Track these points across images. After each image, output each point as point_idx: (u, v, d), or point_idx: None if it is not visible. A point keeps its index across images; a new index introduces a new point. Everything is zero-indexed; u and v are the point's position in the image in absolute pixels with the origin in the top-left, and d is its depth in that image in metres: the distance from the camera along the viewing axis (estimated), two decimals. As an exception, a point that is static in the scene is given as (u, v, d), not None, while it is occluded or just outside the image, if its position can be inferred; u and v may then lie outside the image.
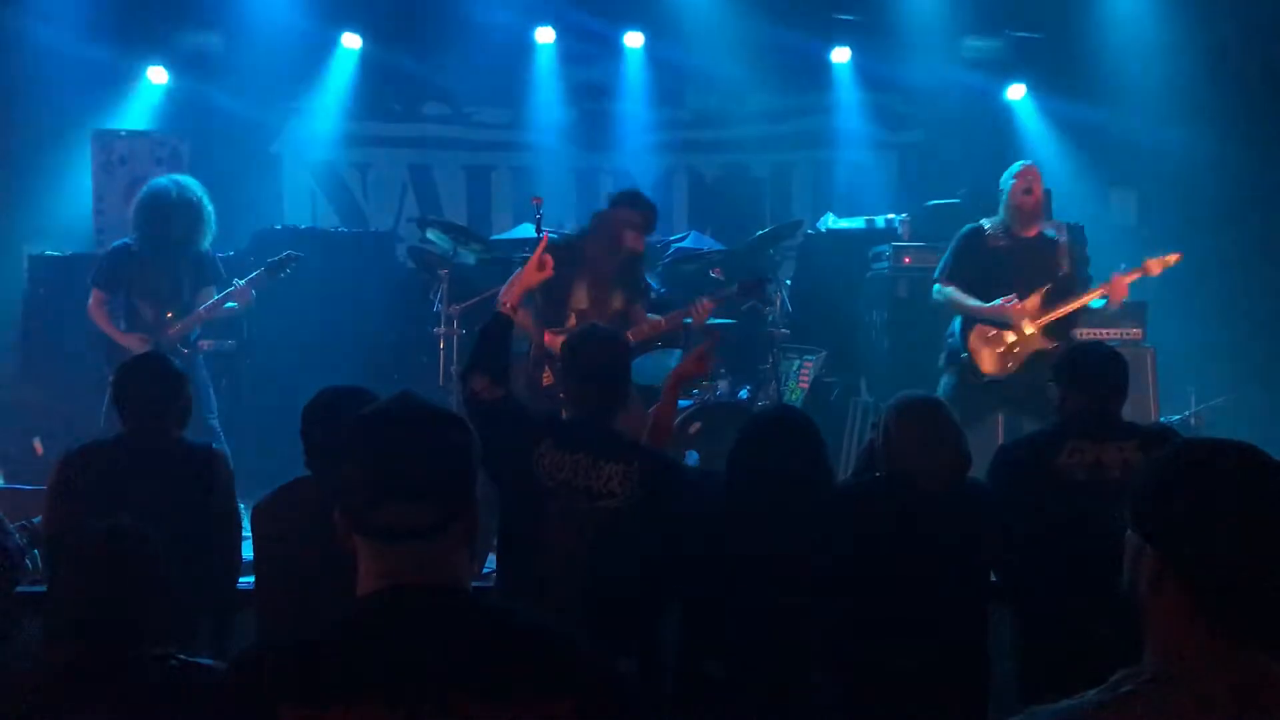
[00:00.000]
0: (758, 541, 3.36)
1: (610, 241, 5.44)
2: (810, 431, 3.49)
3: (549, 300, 5.35)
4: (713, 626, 3.45)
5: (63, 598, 2.57)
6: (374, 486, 1.68)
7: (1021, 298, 5.64)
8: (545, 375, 5.30)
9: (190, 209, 5.87)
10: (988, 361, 5.69)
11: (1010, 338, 5.68)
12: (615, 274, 5.47)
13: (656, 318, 5.55)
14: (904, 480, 3.53)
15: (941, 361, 5.94)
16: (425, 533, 1.67)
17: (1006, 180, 5.86)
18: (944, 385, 5.78)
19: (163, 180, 6.00)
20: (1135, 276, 5.66)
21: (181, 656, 2.50)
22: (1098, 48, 8.49)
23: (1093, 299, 5.67)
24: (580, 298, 5.45)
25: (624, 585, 3.42)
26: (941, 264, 5.94)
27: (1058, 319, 5.65)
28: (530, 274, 4.49)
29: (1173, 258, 5.69)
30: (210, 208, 5.94)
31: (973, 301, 5.72)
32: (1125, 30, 8.40)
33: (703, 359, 4.21)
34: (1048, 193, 6.05)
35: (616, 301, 5.50)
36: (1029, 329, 5.64)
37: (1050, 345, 5.58)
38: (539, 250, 4.55)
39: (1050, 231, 5.87)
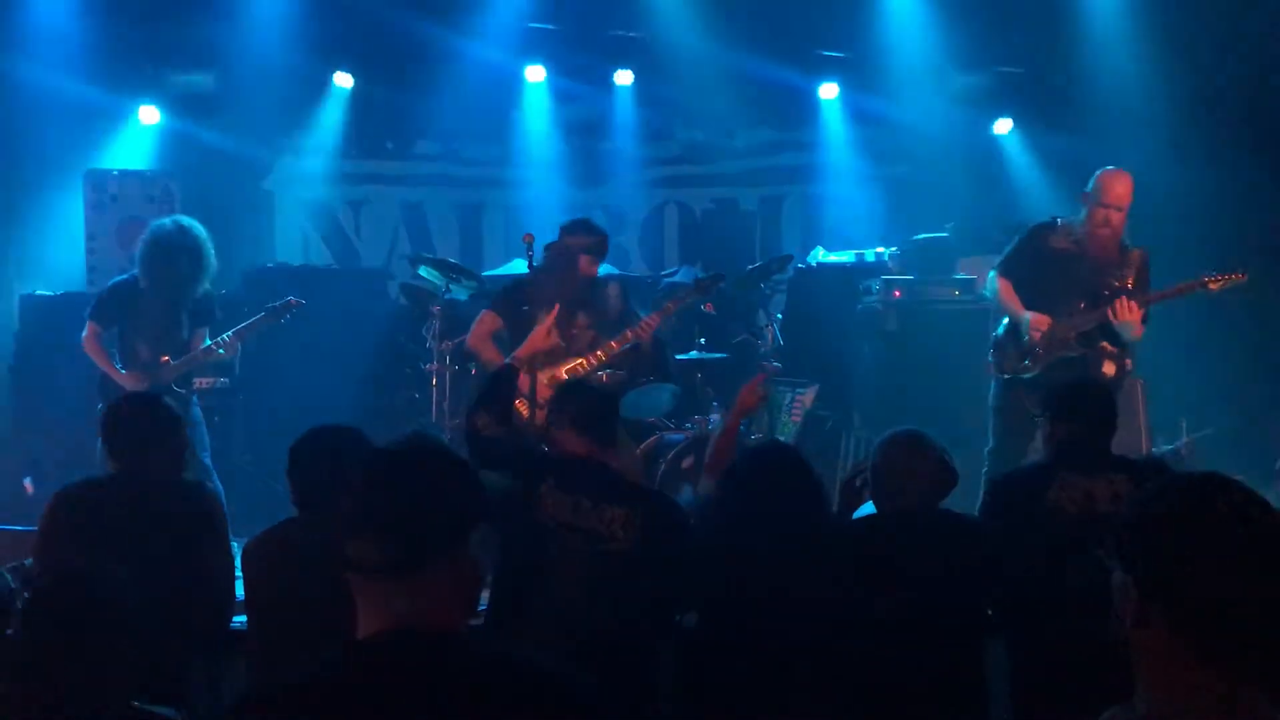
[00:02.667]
0: (755, 579, 3.37)
1: (568, 268, 5.60)
2: (802, 467, 3.52)
3: (518, 337, 5.47)
4: (710, 664, 3.45)
5: (19, 643, 2.47)
6: (350, 520, 1.70)
7: (1062, 312, 5.39)
8: (521, 406, 5.34)
9: (192, 251, 5.85)
10: (1008, 360, 5.51)
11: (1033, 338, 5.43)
12: (575, 299, 5.60)
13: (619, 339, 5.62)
14: (894, 514, 3.56)
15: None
16: (386, 568, 1.65)
17: (1097, 191, 5.40)
18: (992, 386, 5.64)
19: (166, 221, 5.97)
20: (1190, 290, 5.37)
21: (137, 704, 2.42)
22: (1083, 82, 8.56)
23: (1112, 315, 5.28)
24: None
25: (623, 627, 3.43)
26: (1003, 254, 5.72)
27: (1090, 329, 5.36)
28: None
29: (1238, 277, 5.31)
30: (211, 250, 5.94)
31: (1011, 302, 5.50)
32: (1111, 65, 8.46)
33: (755, 392, 4.37)
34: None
35: (581, 325, 5.64)
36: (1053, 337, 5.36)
37: (1078, 352, 5.38)
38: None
39: (1128, 241, 5.48)
